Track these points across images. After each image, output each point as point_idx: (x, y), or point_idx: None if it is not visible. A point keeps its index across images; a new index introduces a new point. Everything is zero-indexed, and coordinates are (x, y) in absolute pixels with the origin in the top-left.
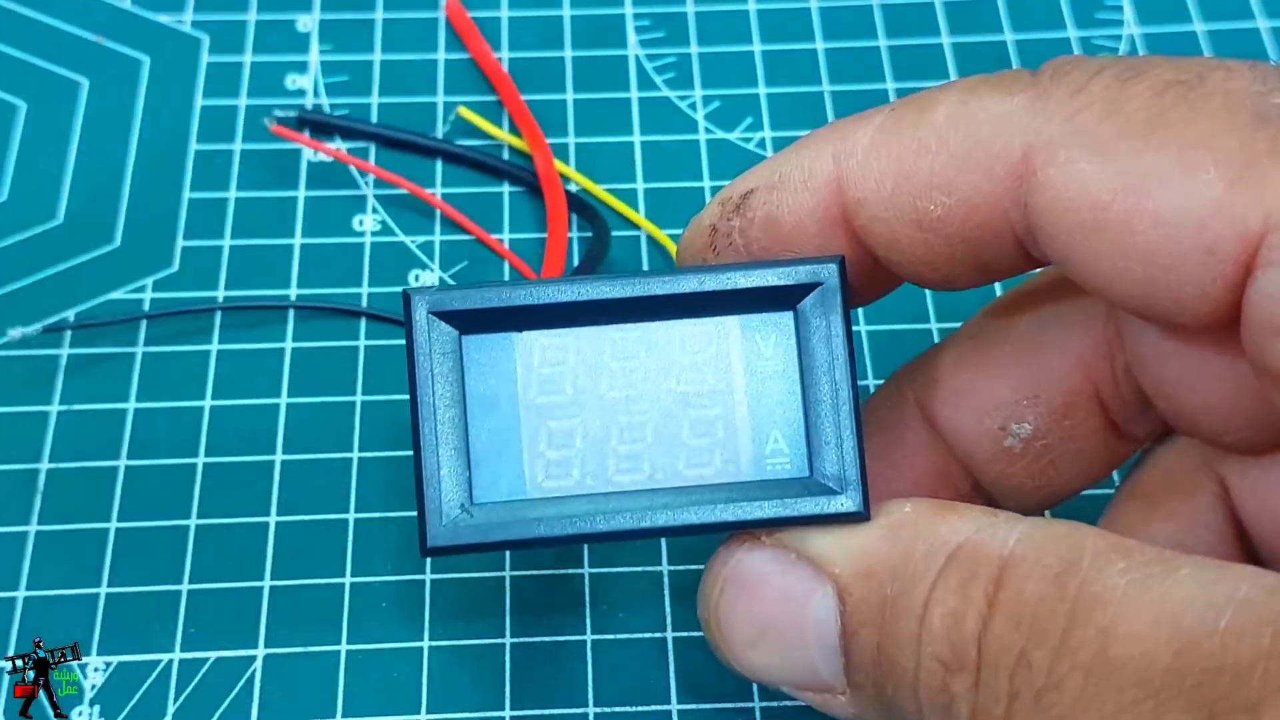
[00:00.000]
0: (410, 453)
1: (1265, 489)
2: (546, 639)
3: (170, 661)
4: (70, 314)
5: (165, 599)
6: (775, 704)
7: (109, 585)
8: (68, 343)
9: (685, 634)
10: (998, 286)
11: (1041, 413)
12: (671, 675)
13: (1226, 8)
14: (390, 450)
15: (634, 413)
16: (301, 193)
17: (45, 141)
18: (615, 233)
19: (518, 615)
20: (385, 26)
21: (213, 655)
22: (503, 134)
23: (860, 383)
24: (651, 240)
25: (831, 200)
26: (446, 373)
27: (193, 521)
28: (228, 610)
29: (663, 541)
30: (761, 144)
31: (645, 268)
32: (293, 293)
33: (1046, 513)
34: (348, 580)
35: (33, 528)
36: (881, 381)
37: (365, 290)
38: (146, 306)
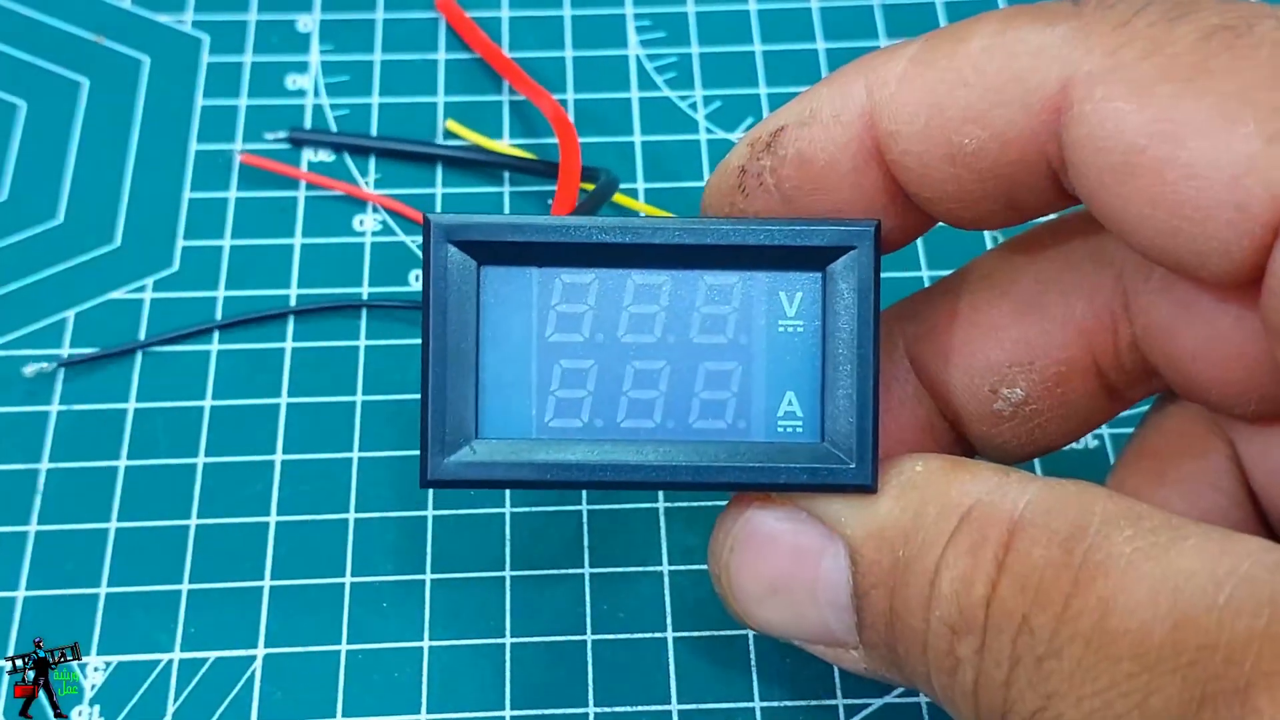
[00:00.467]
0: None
1: (1276, 457)
2: (546, 639)
3: (170, 661)
4: (70, 314)
5: (165, 599)
6: (775, 704)
7: (109, 585)
8: (68, 343)
9: (685, 634)
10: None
11: (1035, 380)
12: (671, 675)
13: None
14: (391, 450)
15: (649, 360)
16: (301, 192)
17: (45, 141)
18: None
19: (518, 615)
20: (385, 26)
21: (213, 655)
22: (492, 143)
23: None
24: None
25: (865, 134)
26: (461, 303)
27: (193, 521)
28: (228, 610)
29: (663, 542)
30: None
31: None
32: (293, 292)
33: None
34: (348, 580)
35: (33, 528)
36: None
37: (365, 290)
38: (146, 307)
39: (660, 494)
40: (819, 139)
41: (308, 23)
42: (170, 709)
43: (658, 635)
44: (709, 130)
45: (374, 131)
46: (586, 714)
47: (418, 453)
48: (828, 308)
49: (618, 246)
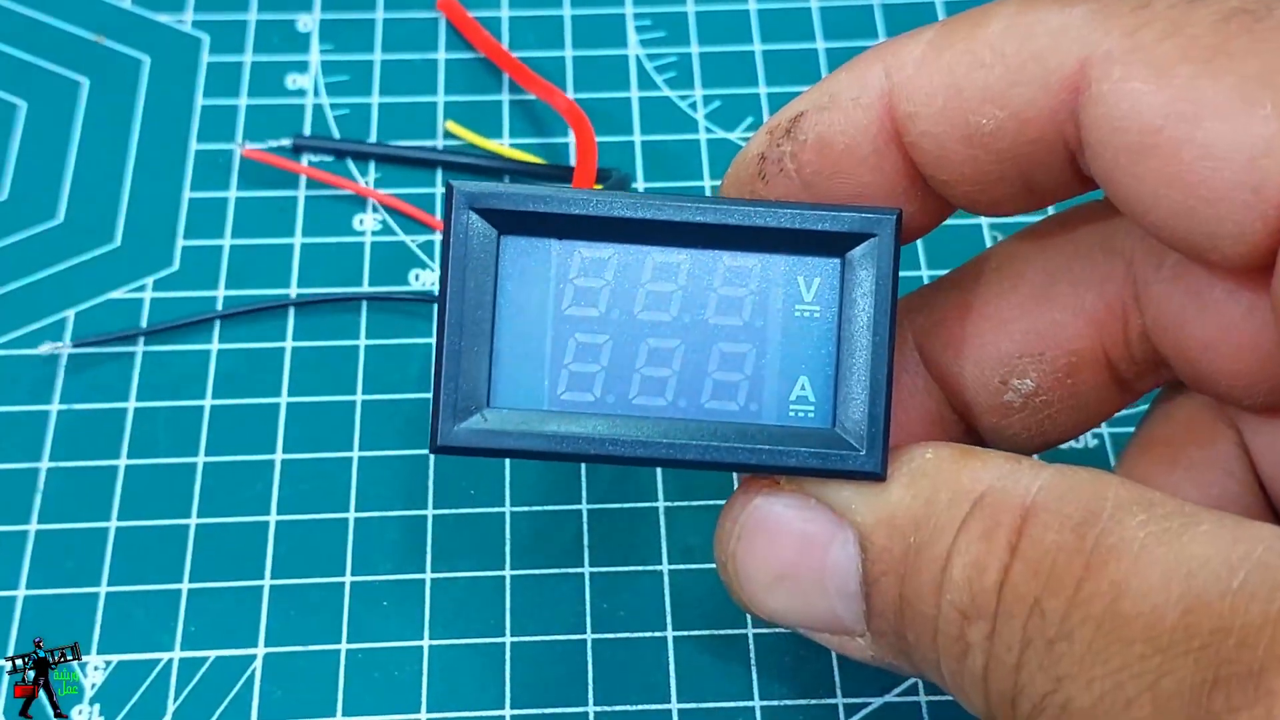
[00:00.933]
0: (418, 453)
1: None
2: (546, 638)
3: (170, 661)
4: (70, 314)
5: (165, 598)
6: (775, 703)
7: (109, 585)
8: (68, 342)
9: (685, 633)
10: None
11: (1045, 370)
12: (671, 675)
13: None
14: (391, 449)
15: (664, 338)
16: (301, 192)
17: (45, 141)
18: None
19: (518, 614)
20: (385, 26)
21: (213, 654)
22: (492, 144)
23: None
24: None
25: (884, 116)
26: (480, 271)
27: (193, 521)
28: (228, 610)
29: (663, 541)
30: None
31: None
32: (293, 292)
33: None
34: (348, 580)
35: (33, 527)
36: None
37: (365, 290)
38: (147, 306)
39: (660, 494)
40: (839, 122)
41: (308, 22)
42: (170, 708)
43: (658, 635)
44: (709, 130)
45: (374, 131)
46: (586, 713)
47: (418, 452)
48: (845, 294)
49: (639, 222)
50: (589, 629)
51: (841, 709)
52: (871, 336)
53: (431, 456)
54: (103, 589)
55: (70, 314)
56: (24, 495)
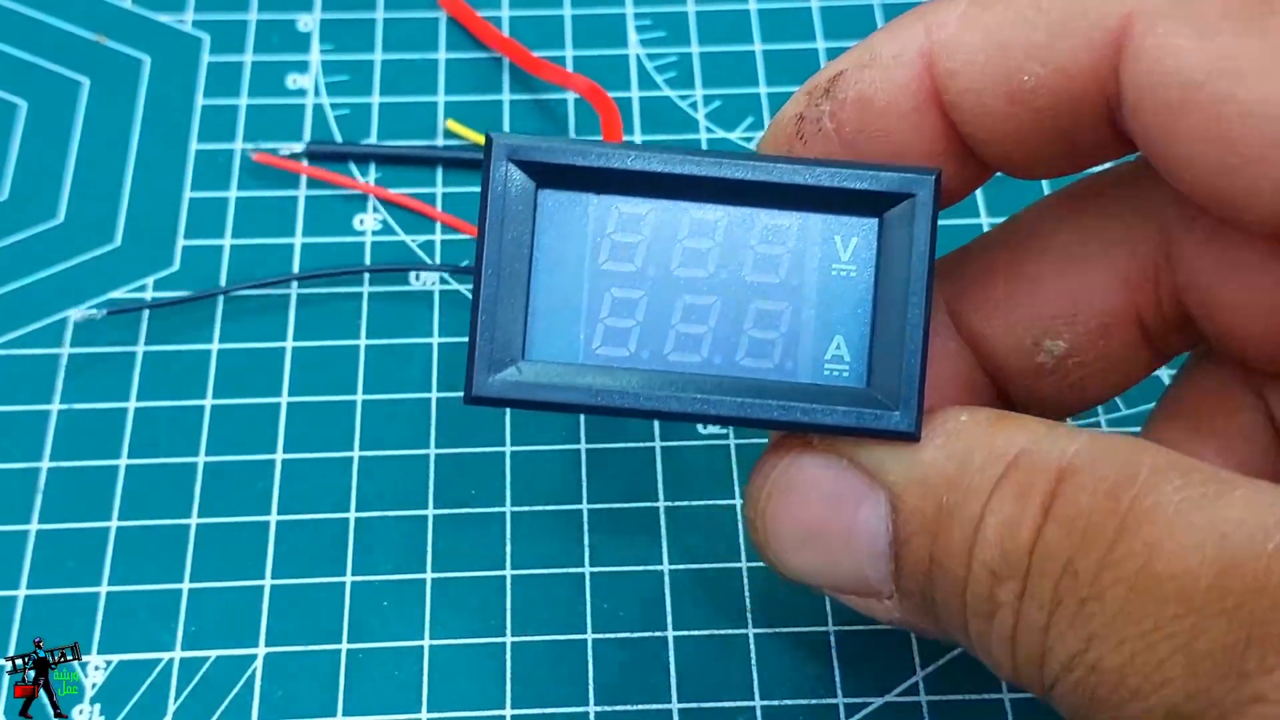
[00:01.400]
0: (419, 453)
1: None
2: (546, 638)
3: (170, 660)
4: (70, 313)
5: (165, 598)
6: (775, 703)
7: (109, 585)
8: (68, 341)
9: (685, 633)
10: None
11: (1078, 331)
12: (672, 675)
13: None
14: (391, 449)
15: (700, 294)
16: (302, 191)
17: (45, 141)
18: None
19: (518, 614)
20: (385, 26)
21: (213, 654)
22: None
23: None
24: None
25: (924, 74)
26: (517, 223)
27: (193, 521)
28: (228, 609)
29: (663, 541)
30: None
31: None
32: (293, 292)
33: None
34: (348, 580)
35: (33, 527)
36: None
37: (365, 290)
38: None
39: (661, 493)
40: (879, 80)
41: (308, 22)
42: (171, 708)
43: (658, 634)
44: (709, 130)
45: (374, 130)
46: (586, 713)
47: (418, 452)
48: (882, 254)
49: (677, 178)
50: (589, 629)
51: (842, 709)
52: (908, 297)
53: (431, 456)
54: (103, 589)
55: (70, 314)
56: (24, 495)
